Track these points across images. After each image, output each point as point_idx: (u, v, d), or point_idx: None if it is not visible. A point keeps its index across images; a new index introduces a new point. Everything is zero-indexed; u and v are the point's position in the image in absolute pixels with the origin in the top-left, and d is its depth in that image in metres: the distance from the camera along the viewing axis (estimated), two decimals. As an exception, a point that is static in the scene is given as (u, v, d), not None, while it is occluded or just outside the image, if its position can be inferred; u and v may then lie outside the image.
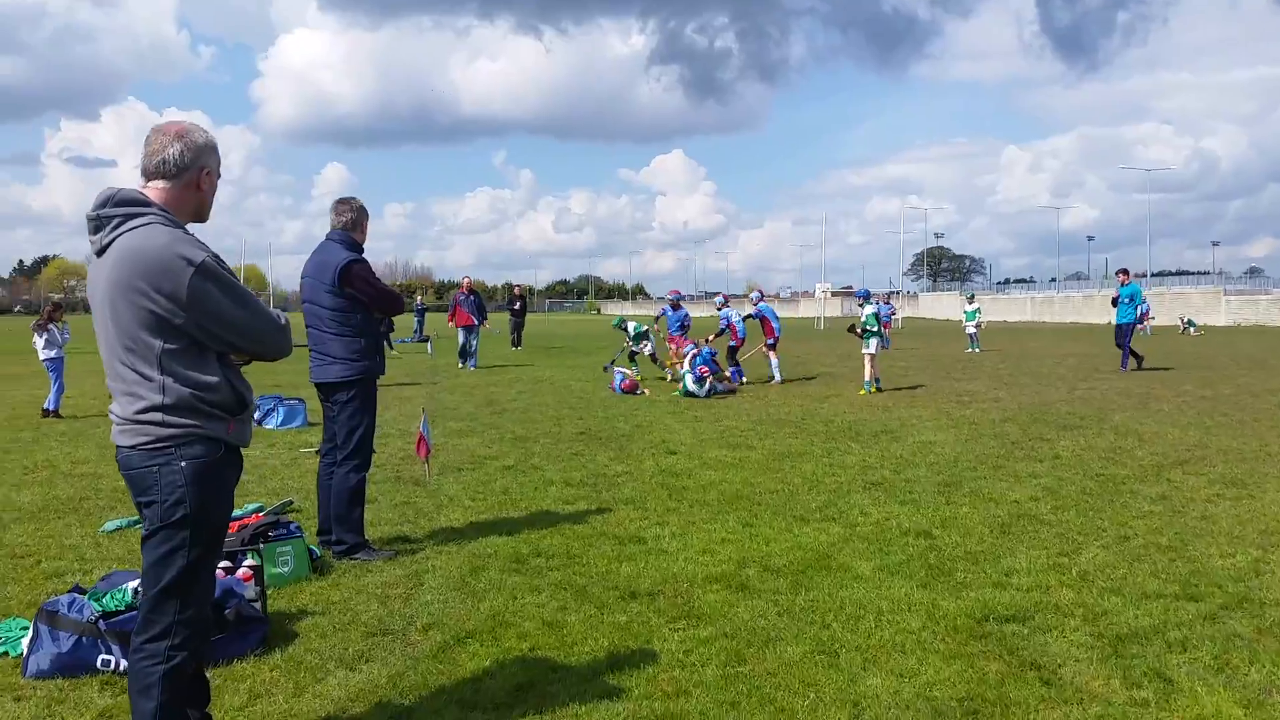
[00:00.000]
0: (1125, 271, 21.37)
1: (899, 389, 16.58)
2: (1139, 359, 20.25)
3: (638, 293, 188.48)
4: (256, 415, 12.47)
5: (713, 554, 5.94)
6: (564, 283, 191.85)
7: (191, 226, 3.37)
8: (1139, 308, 19.90)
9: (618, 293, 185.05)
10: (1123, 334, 20.39)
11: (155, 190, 3.28)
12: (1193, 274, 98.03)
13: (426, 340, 32.57)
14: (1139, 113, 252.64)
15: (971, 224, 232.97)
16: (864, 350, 16.33)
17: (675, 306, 19.81)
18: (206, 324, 3.15)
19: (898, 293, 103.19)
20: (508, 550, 6.07)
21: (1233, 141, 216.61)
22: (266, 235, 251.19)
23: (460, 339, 22.51)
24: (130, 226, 3.16)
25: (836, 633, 4.58)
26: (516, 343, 30.83)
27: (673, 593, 5.19)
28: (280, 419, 12.23)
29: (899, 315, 54.90)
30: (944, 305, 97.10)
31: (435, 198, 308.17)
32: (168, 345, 3.15)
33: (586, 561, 5.81)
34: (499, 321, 36.16)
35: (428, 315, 40.47)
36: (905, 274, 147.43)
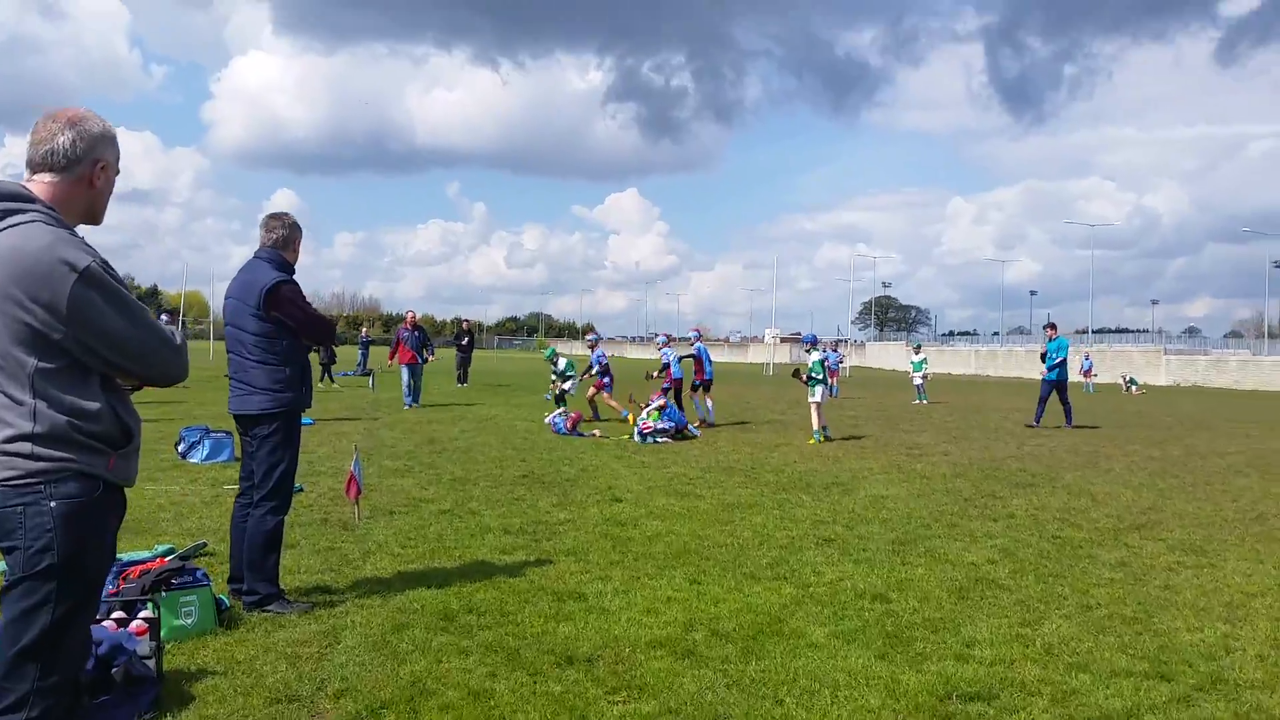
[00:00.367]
0: (1053, 326, 20.71)
1: (848, 439, 16.37)
2: (1038, 418, 19.62)
3: (588, 331, 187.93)
4: (180, 448, 11.88)
5: (657, 614, 5.54)
6: (514, 319, 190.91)
7: (82, 229, 2.96)
8: (1060, 359, 19.29)
9: (568, 331, 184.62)
10: (1049, 388, 19.58)
11: (41, 185, 2.88)
12: (1132, 332, 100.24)
13: (370, 374, 31.86)
14: (1082, 168, 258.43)
15: (918, 274, 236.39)
16: (810, 399, 16.04)
17: (592, 348, 19.71)
18: (89, 339, 2.74)
19: (845, 341, 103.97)
20: (436, 605, 5.62)
21: (1174, 199, 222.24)
22: (212, 260, 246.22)
23: (404, 378, 21.32)
24: (7, 225, 2.75)
25: (790, 709, 4.21)
26: (462, 379, 30.24)
27: (613, 658, 4.78)
28: (205, 452, 11.64)
29: (846, 364, 55.20)
30: (891, 355, 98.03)
31: (386, 228, 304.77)
32: (43, 364, 2.73)
33: (521, 620, 5.38)
34: (444, 355, 35.33)
35: (372, 348, 39.66)
36: (853, 323, 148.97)
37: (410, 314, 22.54)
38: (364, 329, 47.36)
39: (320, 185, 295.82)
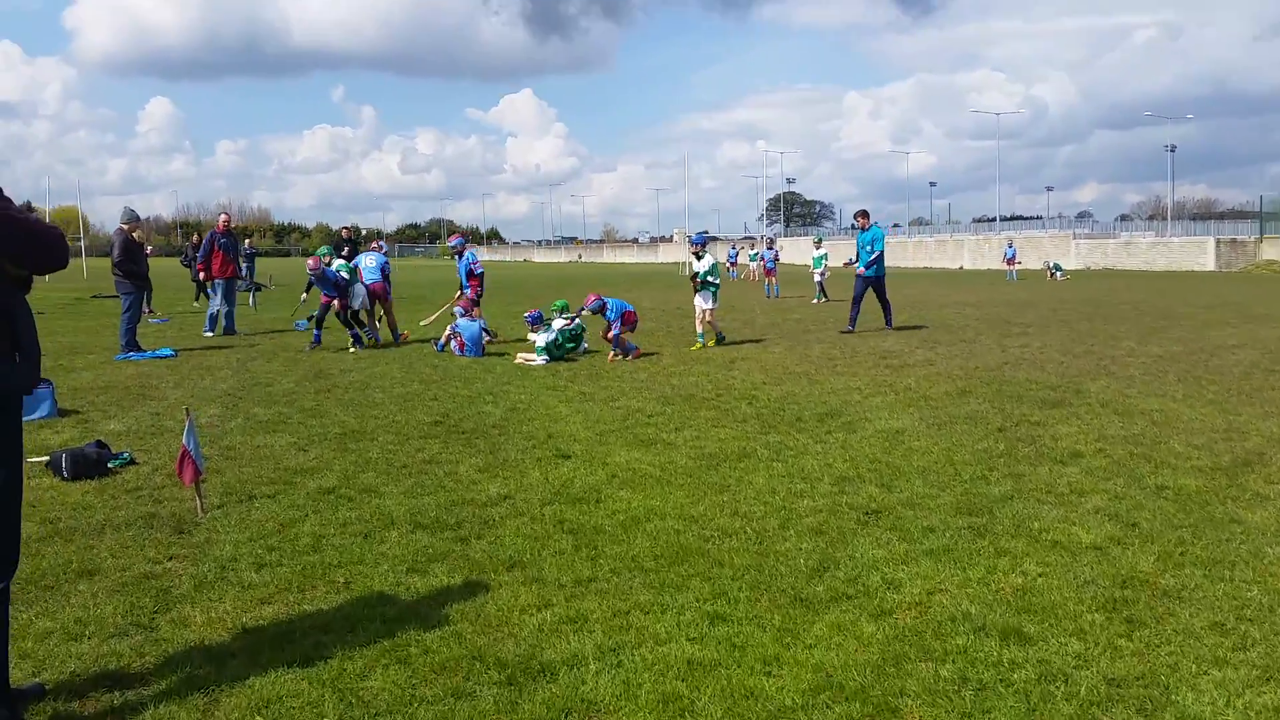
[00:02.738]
0: (864, 214, 16.77)
1: (803, 342, 14.25)
2: (853, 320, 16.59)
3: (492, 236, 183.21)
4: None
5: (682, 710, 3.27)
6: (415, 226, 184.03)
7: None
8: (878, 253, 16.31)
9: (471, 237, 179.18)
10: (864, 286, 16.47)
11: None
12: (1027, 218, 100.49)
13: (256, 289, 28.62)
14: (972, 60, 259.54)
15: (816, 170, 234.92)
16: (700, 305, 14.42)
17: (458, 254, 15.92)
18: None
19: (750, 237, 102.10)
20: (306, 713, 3.25)
21: (1062, 89, 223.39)
22: (89, 174, 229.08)
23: (216, 299, 16.90)
24: None
25: None
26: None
27: None
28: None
29: (753, 264, 52.91)
30: (801, 250, 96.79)
31: (269, 135, 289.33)
32: None
33: (451, 751, 3.04)
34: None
35: (258, 260, 36.06)
36: (759, 219, 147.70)
37: (224, 217, 17.74)
38: (249, 240, 43.29)
39: (194, 92, 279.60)
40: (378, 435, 8.00)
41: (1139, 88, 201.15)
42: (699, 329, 14.69)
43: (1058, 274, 43.52)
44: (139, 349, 13.80)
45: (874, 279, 16.51)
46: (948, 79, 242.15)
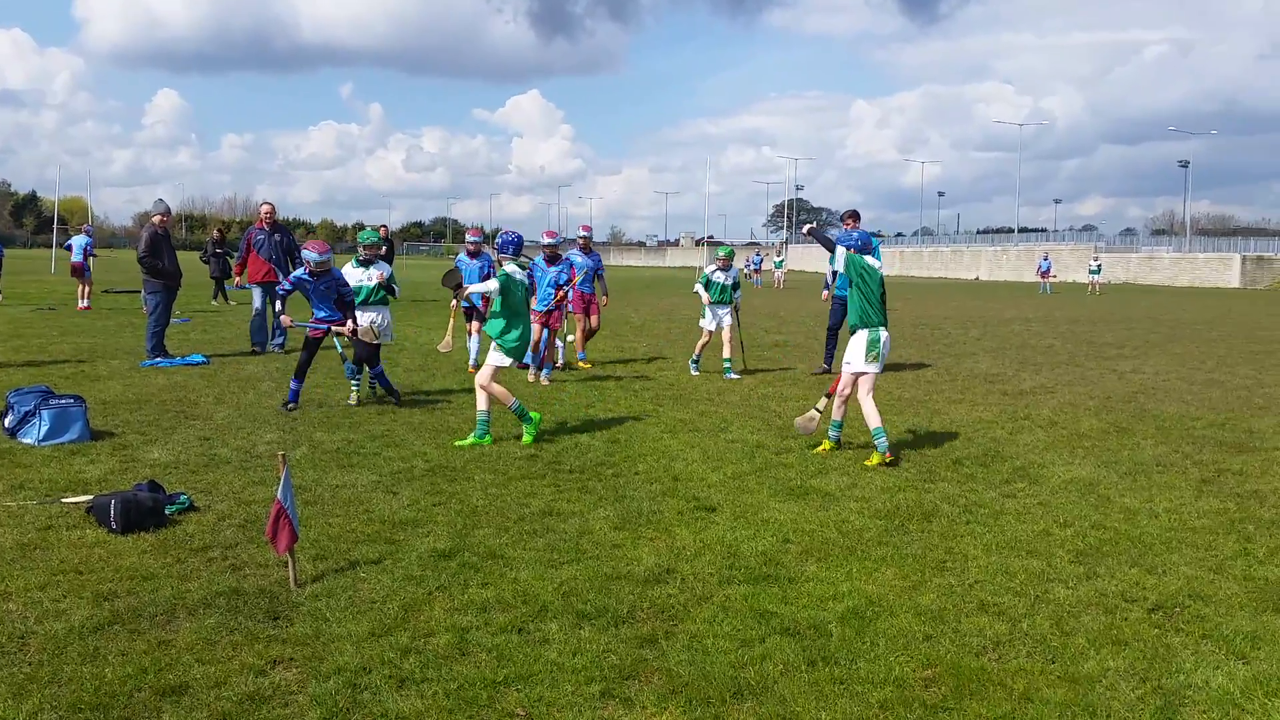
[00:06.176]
0: (855, 215, 11.82)
1: (905, 369, 13.05)
2: (829, 359, 12.57)
3: (496, 236, 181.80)
4: (8, 421, 7.88)
5: None
6: (419, 225, 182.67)
7: None
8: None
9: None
10: (843, 311, 11.74)
11: None
12: (1033, 230, 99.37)
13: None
14: (980, 72, 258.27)
15: (822, 177, 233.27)
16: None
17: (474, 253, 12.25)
18: None
19: (757, 243, 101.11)
20: None
21: (1070, 102, 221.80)
22: (94, 164, 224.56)
23: (256, 303, 14.04)
24: None
25: None
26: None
27: None
28: (44, 428, 7.64)
29: (779, 272, 51.86)
30: (813, 258, 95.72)
31: (276, 130, 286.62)
32: None
33: None
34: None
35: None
36: (765, 224, 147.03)
37: (266, 207, 14.38)
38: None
39: (202, 86, 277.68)
40: (472, 473, 6.79)
41: (1147, 103, 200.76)
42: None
43: (1096, 277, 43.48)
44: (167, 354, 12.57)
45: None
46: (956, 90, 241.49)
